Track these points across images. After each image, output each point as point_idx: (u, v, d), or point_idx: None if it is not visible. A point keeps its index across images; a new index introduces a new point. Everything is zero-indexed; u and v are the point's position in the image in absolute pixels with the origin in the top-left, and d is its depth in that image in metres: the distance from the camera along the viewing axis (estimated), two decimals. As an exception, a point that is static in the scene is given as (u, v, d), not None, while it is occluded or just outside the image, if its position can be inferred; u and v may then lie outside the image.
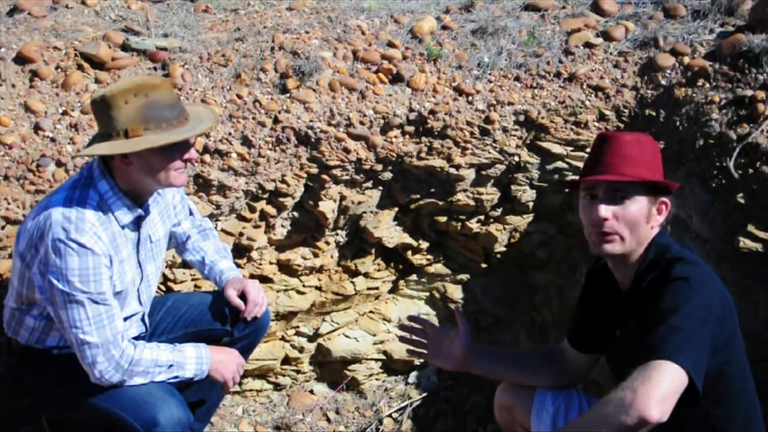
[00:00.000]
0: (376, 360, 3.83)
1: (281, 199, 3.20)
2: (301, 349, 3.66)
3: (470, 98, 3.31)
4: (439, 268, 3.75)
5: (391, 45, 3.46)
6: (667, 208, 1.93)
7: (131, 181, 2.12)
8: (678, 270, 1.80)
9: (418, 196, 3.43)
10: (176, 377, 2.24)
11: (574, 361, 2.28)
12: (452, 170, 3.32)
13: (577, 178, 2.01)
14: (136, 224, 2.22)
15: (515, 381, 2.32)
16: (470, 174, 3.37)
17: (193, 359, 2.27)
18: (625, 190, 1.88)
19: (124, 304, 2.25)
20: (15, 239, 2.20)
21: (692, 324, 1.69)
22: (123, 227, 2.16)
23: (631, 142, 1.92)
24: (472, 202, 3.45)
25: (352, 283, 3.61)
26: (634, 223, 1.89)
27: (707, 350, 1.71)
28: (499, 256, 3.66)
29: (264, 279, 3.34)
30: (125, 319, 2.27)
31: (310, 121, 3.14)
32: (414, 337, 2.33)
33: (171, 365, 2.22)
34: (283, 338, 3.61)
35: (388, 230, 3.50)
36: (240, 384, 3.54)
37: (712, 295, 1.77)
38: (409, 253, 3.65)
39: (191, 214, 2.65)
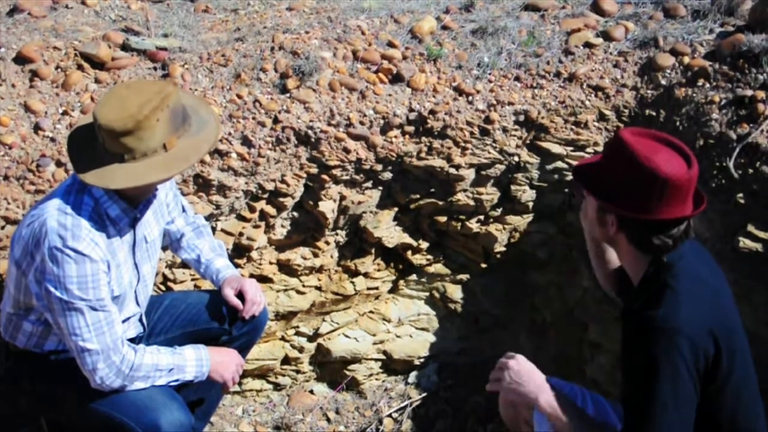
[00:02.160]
0: (376, 360, 3.83)
1: (281, 199, 3.20)
2: (301, 349, 3.66)
3: (470, 98, 3.31)
4: (439, 268, 3.75)
5: (391, 45, 3.46)
6: (613, 225, 1.89)
7: (140, 186, 2.07)
8: (659, 318, 1.79)
9: (418, 196, 3.43)
10: (177, 380, 2.24)
11: None
12: (452, 170, 3.31)
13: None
14: (132, 226, 2.21)
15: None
16: (470, 174, 3.37)
17: (193, 362, 2.27)
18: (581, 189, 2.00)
19: (122, 307, 2.24)
20: (10, 245, 2.18)
21: (664, 391, 1.76)
22: (119, 230, 2.15)
23: (615, 143, 1.89)
24: (472, 202, 3.45)
25: (352, 283, 3.61)
26: (591, 219, 1.99)
27: (689, 403, 1.79)
28: (499, 256, 3.66)
29: (264, 279, 3.34)
30: (123, 321, 2.26)
31: (310, 121, 3.14)
32: None
33: (171, 369, 2.21)
34: (283, 338, 3.61)
35: (388, 230, 3.50)
36: (240, 384, 3.54)
37: (688, 344, 1.75)
38: (409, 253, 3.65)
39: (184, 211, 2.65)
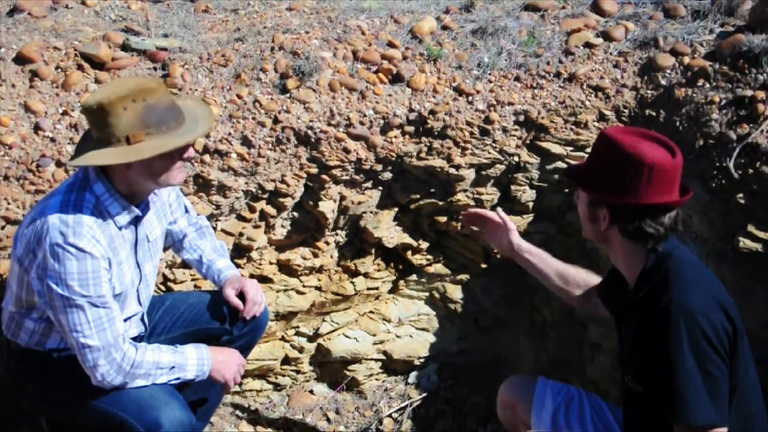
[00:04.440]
0: (376, 360, 3.83)
1: (281, 199, 3.20)
2: (301, 349, 3.66)
3: (470, 98, 3.31)
4: (439, 268, 3.75)
5: (391, 45, 3.46)
6: (605, 219, 1.93)
7: (130, 183, 2.11)
8: (674, 300, 1.80)
9: (418, 196, 3.43)
10: (178, 379, 2.24)
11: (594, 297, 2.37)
12: (452, 170, 3.32)
13: None
14: (134, 224, 2.22)
15: (546, 283, 2.50)
16: (470, 174, 3.37)
17: (195, 360, 2.27)
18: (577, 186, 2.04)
19: (124, 306, 2.25)
20: (12, 243, 2.19)
21: (694, 374, 1.76)
22: (120, 228, 2.15)
23: (600, 140, 1.96)
24: (472, 202, 3.45)
25: (352, 283, 3.61)
26: (583, 218, 2.02)
27: (720, 382, 1.79)
28: (499, 256, 3.66)
29: (264, 279, 3.34)
30: (125, 320, 2.27)
31: (310, 121, 3.14)
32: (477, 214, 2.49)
33: (173, 367, 2.22)
34: (283, 338, 3.61)
35: (388, 230, 3.50)
36: (240, 384, 3.53)
37: (708, 323, 1.77)
38: (409, 253, 3.65)
39: (187, 211, 2.66)
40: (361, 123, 3.20)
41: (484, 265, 3.73)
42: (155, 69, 3.22)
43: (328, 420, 3.65)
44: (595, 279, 2.42)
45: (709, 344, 1.76)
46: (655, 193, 1.85)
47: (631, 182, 1.85)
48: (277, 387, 3.70)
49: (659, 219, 1.88)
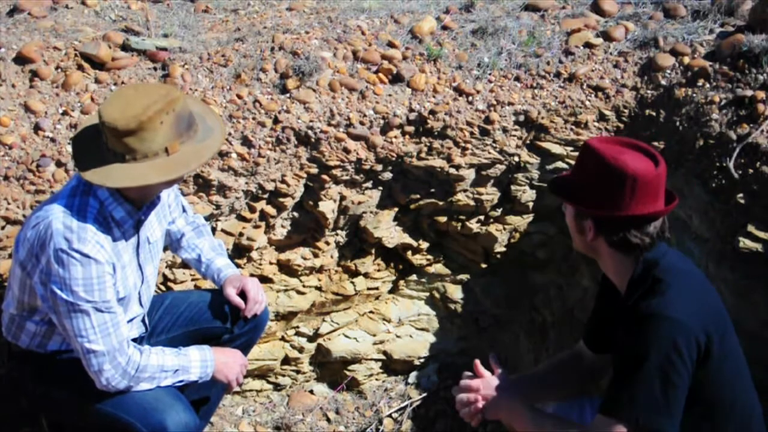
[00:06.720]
0: (376, 360, 3.83)
1: (281, 199, 3.20)
2: (301, 349, 3.66)
3: (470, 98, 3.31)
4: (439, 268, 3.75)
5: (391, 45, 3.46)
6: (590, 230, 1.93)
7: (143, 186, 2.06)
8: (652, 306, 1.81)
9: (418, 196, 3.43)
10: (181, 381, 2.25)
11: (591, 362, 2.30)
12: (452, 170, 3.32)
13: None
14: (136, 228, 2.21)
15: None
16: (470, 174, 3.37)
17: (198, 362, 2.27)
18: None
19: (127, 308, 2.24)
20: (14, 246, 2.17)
21: (653, 377, 1.77)
22: (123, 232, 2.15)
23: (583, 151, 1.96)
24: (472, 202, 3.45)
25: (352, 283, 3.61)
26: (571, 229, 2.02)
27: (678, 391, 1.78)
28: (499, 256, 3.66)
29: (264, 279, 3.34)
30: (127, 321, 2.26)
31: (310, 121, 3.14)
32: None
33: (177, 370, 2.22)
34: (283, 338, 3.61)
35: (388, 230, 3.50)
36: (240, 384, 3.53)
37: (681, 331, 1.77)
38: (409, 253, 3.65)
39: (184, 211, 2.66)
40: (361, 123, 3.20)
41: (484, 265, 3.74)
42: (155, 69, 3.22)
43: (328, 420, 3.65)
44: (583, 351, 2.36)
45: (677, 353, 1.76)
46: (639, 204, 1.85)
47: (614, 194, 1.85)
48: (277, 387, 3.70)
49: (644, 229, 1.88)
